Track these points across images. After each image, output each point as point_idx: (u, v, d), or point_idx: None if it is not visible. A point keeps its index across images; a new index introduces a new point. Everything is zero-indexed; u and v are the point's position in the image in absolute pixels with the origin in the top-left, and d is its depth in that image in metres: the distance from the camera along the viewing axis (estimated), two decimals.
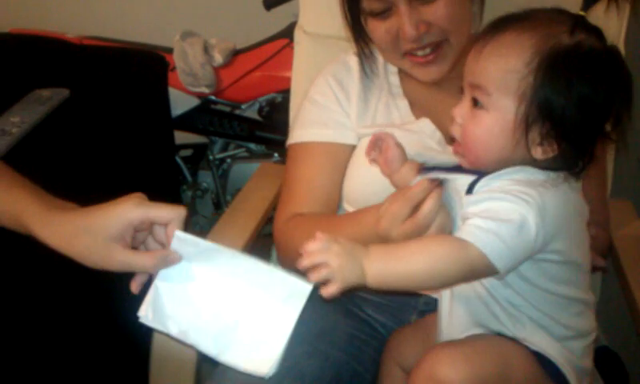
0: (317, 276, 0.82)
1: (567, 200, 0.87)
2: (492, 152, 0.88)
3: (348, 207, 1.24)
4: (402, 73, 1.27)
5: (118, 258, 0.86)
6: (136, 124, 1.80)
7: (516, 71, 0.85)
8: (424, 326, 1.05)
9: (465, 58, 1.18)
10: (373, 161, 1.04)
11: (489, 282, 0.89)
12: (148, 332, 1.12)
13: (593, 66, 0.84)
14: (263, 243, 1.38)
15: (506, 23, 0.89)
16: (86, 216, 0.87)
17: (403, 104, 1.23)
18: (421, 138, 1.18)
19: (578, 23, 0.86)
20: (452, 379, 0.85)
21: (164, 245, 0.92)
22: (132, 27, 2.34)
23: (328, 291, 0.82)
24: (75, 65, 1.79)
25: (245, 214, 1.38)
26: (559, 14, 0.89)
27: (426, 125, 1.19)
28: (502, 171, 0.88)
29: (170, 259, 0.90)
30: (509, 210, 0.83)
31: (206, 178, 2.36)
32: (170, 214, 0.88)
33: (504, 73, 0.86)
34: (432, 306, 1.11)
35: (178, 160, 2.32)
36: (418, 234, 0.90)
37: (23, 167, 1.01)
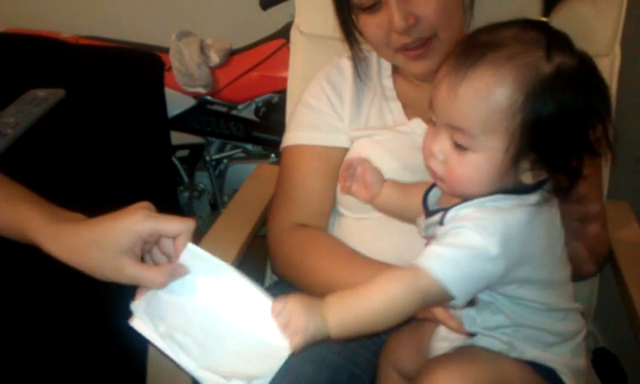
0: (284, 333, 0.83)
1: (538, 223, 0.86)
2: (481, 187, 0.86)
3: (343, 211, 1.24)
4: (396, 75, 1.27)
5: (127, 273, 0.85)
6: (132, 124, 1.80)
7: (500, 112, 0.82)
8: (419, 330, 1.05)
9: None
10: (347, 190, 1.03)
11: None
12: (145, 345, 1.11)
13: (577, 88, 0.82)
14: (260, 244, 1.38)
15: (476, 54, 0.83)
16: (94, 228, 0.86)
17: (396, 106, 1.24)
18: (412, 138, 1.18)
19: (551, 44, 0.83)
20: None
21: (170, 256, 0.91)
22: (128, 27, 2.33)
23: (291, 344, 0.83)
24: (71, 65, 1.79)
25: (242, 215, 1.38)
26: (527, 30, 0.85)
27: (417, 125, 1.19)
28: (472, 201, 0.86)
29: (177, 273, 0.89)
30: (469, 238, 0.82)
31: (202, 179, 2.36)
32: (178, 227, 0.88)
33: (488, 115, 0.82)
34: None
35: (175, 161, 2.32)
36: None
37: (19, 169, 1.01)
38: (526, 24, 0.86)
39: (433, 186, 0.97)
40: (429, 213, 0.95)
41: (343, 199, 1.24)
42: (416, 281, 0.82)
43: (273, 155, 2.25)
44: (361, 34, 1.21)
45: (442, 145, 0.87)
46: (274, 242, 1.25)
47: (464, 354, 0.91)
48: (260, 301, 0.90)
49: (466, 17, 1.18)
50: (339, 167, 1.24)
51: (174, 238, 0.89)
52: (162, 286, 0.89)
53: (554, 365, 0.91)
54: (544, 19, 0.89)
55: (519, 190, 0.86)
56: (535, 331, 0.90)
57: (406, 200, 1.04)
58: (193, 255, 0.90)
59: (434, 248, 0.84)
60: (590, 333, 1.34)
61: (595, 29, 1.35)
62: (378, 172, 1.01)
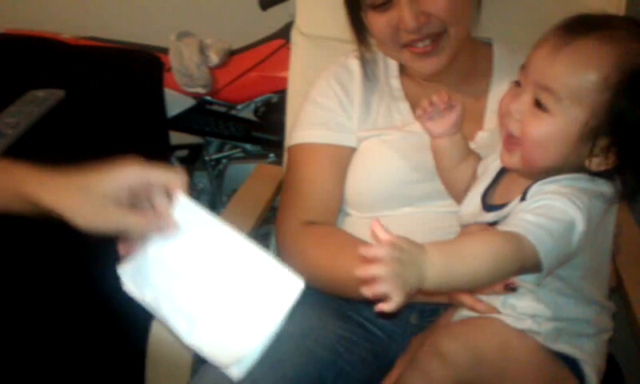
0: (381, 288, 0.73)
1: (608, 216, 0.89)
2: (549, 156, 0.88)
3: (350, 211, 1.24)
4: (403, 75, 1.27)
5: (111, 217, 0.83)
6: (131, 124, 1.80)
7: (593, 83, 0.84)
8: (439, 325, 1.05)
9: (464, 55, 1.19)
10: (423, 115, 1.05)
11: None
12: (144, 332, 1.12)
13: None
14: (259, 244, 1.38)
15: (584, 28, 0.87)
16: (82, 175, 0.85)
17: (404, 106, 1.24)
18: (421, 138, 1.18)
19: None
20: (451, 349, 0.88)
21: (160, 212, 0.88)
22: (127, 27, 2.33)
23: (388, 306, 0.74)
24: (70, 66, 1.79)
25: (241, 215, 1.38)
26: (637, 25, 0.88)
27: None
28: (557, 177, 0.88)
29: (165, 226, 0.86)
30: (560, 210, 0.83)
31: (201, 179, 2.35)
32: (170, 175, 0.86)
33: (580, 83, 0.85)
34: (431, 305, 1.11)
35: (174, 161, 2.31)
36: None
37: None
38: (637, 21, 0.89)
39: (488, 188, 0.98)
40: (494, 207, 0.95)
41: (351, 199, 1.24)
42: (521, 246, 0.81)
43: (272, 155, 2.25)
44: (368, 32, 1.21)
45: (522, 104, 0.89)
46: (286, 239, 1.24)
47: (474, 321, 0.92)
48: (255, 253, 0.86)
49: (473, 15, 1.19)
50: (347, 166, 1.24)
51: (167, 190, 0.86)
52: (146, 231, 0.86)
53: (578, 355, 0.92)
54: None
55: (590, 172, 0.87)
56: (571, 323, 0.91)
57: (461, 161, 1.07)
58: (184, 208, 0.87)
59: (528, 216, 0.84)
60: None
61: None
62: (458, 121, 1.03)
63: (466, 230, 1.00)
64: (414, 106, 1.23)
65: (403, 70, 1.27)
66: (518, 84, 0.91)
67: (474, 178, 1.06)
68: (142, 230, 0.86)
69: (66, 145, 1.56)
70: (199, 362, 1.14)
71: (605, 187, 0.88)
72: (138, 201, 0.87)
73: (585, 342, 0.93)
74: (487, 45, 1.30)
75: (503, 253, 0.81)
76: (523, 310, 0.91)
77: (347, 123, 1.24)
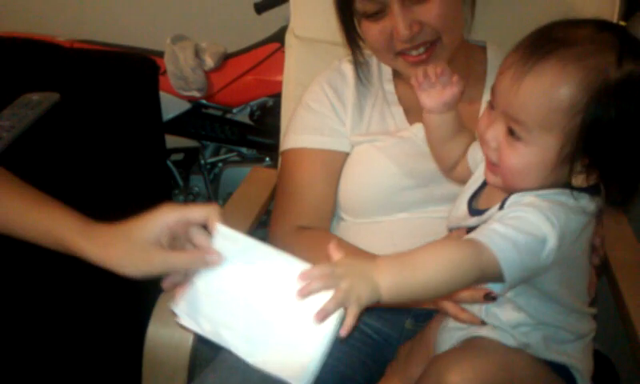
0: (334, 302, 0.76)
1: (587, 230, 0.87)
2: (530, 180, 0.86)
3: (345, 216, 1.25)
4: (397, 79, 1.28)
5: (156, 260, 0.86)
6: (127, 128, 1.80)
7: (561, 110, 0.81)
8: (426, 336, 1.05)
9: (458, 59, 1.20)
10: (418, 87, 1.00)
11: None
12: (141, 335, 1.12)
13: None
14: None
15: (545, 49, 0.82)
16: (123, 225, 0.87)
17: (398, 111, 1.24)
18: (414, 144, 1.18)
19: (624, 50, 0.81)
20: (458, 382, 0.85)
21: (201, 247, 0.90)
22: (123, 31, 2.33)
23: (347, 322, 0.77)
24: (66, 69, 1.79)
25: (236, 219, 1.38)
26: (602, 31, 0.83)
27: (419, 130, 1.19)
28: (537, 192, 0.85)
29: (210, 259, 0.88)
30: (532, 224, 0.81)
31: (197, 183, 2.35)
32: (204, 211, 0.88)
33: (547, 112, 0.81)
34: (425, 310, 1.11)
35: (170, 164, 2.31)
36: None
37: (13, 172, 1.01)
38: (602, 25, 0.85)
39: (476, 192, 0.97)
40: (477, 211, 0.94)
41: (344, 205, 1.24)
42: (478, 255, 0.80)
43: (267, 159, 2.25)
44: (361, 38, 1.21)
45: (497, 132, 0.86)
46: (278, 244, 1.23)
47: (474, 345, 0.91)
48: (296, 267, 0.85)
49: (466, 27, 1.19)
50: (340, 171, 1.24)
51: (204, 224, 0.89)
52: (193, 267, 0.88)
53: (567, 362, 0.92)
54: (622, 23, 0.88)
55: (573, 187, 0.85)
56: (555, 330, 0.90)
57: (453, 138, 1.03)
58: (223, 237, 0.89)
59: (496, 226, 0.82)
60: None
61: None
62: (451, 101, 0.99)
63: (449, 235, 1.00)
64: (407, 110, 1.24)
65: (397, 74, 1.27)
66: (491, 106, 0.89)
67: (463, 156, 1.04)
68: (187, 267, 0.88)
69: (62, 148, 1.56)
70: (195, 366, 1.15)
71: (587, 202, 0.86)
72: (177, 241, 0.90)
73: (570, 348, 0.92)
74: (481, 48, 1.30)
75: (458, 262, 0.80)
76: (507, 322, 0.90)
77: (340, 128, 1.25)
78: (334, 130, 1.24)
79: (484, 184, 0.97)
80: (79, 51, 2.02)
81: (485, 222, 0.88)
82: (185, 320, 0.89)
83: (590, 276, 0.96)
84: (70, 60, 1.86)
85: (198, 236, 0.90)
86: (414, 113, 1.23)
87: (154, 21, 2.45)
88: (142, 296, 1.17)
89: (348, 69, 1.28)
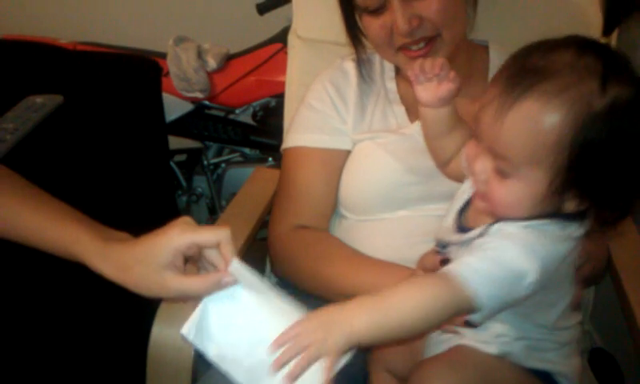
0: (306, 358, 0.77)
1: (572, 255, 0.85)
2: (520, 212, 0.83)
3: (346, 213, 1.25)
4: (399, 78, 1.28)
5: (171, 285, 0.87)
6: (130, 129, 1.80)
7: (548, 146, 0.78)
8: None
9: (460, 57, 1.20)
10: (415, 80, 0.97)
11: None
12: (145, 336, 1.12)
13: (631, 124, 0.78)
14: (258, 248, 1.38)
15: (526, 82, 0.79)
16: (138, 247, 0.88)
17: (400, 110, 1.24)
18: (416, 141, 1.18)
19: (608, 73, 0.78)
20: None
21: (216, 266, 0.92)
22: (126, 32, 2.34)
23: (326, 373, 0.77)
24: (69, 71, 1.79)
25: (240, 219, 1.38)
26: (583, 55, 0.80)
27: (420, 128, 1.20)
28: (520, 222, 0.83)
29: (224, 282, 0.89)
30: (511, 259, 0.80)
31: (200, 183, 2.36)
32: (214, 236, 0.89)
33: (533, 148, 0.79)
34: None
35: (173, 165, 2.32)
36: None
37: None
38: (583, 47, 0.81)
39: (466, 204, 0.96)
40: (463, 229, 0.92)
41: (346, 201, 1.24)
42: (453, 292, 0.79)
43: (270, 159, 2.25)
44: (363, 34, 1.22)
45: (485, 165, 0.84)
46: (275, 244, 1.26)
47: (456, 353, 0.90)
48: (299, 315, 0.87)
49: (469, 17, 1.19)
50: (341, 170, 1.24)
51: (217, 247, 0.90)
52: (206, 294, 0.89)
53: (550, 368, 0.91)
54: (604, 40, 0.85)
55: (563, 215, 0.83)
56: (536, 341, 0.90)
57: (448, 134, 1.00)
58: (237, 271, 0.90)
59: (472, 260, 0.81)
60: (587, 333, 1.35)
61: (590, 24, 1.35)
62: (446, 97, 0.96)
63: (420, 262, 0.99)
64: (409, 108, 1.24)
65: (400, 72, 1.28)
66: (477, 138, 0.86)
67: (458, 153, 1.01)
68: (202, 293, 0.89)
69: (65, 150, 1.57)
70: (200, 367, 1.15)
71: (575, 228, 0.84)
72: (192, 259, 0.91)
73: (552, 355, 0.91)
74: (483, 47, 1.30)
75: (433, 300, 0.80)
76: (488, 331, 0.89)
77: (341, 126, 1.25)
78: (334, 128, 1.25)
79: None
80: (82, 53, 2.02)
81: (466, 243, 0.88)
82: (193, 342, 0.90)
83: (575, 290, 0.93)
84: (72, 62, 1.86)
85: (214, 256, 0.91)
86: (415, 111, 1.22)
87: (156, 22, 2.46)
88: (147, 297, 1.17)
89: (350, 67, 1.28)
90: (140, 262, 0.87)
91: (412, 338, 0.90)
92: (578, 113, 0.77)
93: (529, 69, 0.80)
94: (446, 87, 0.95)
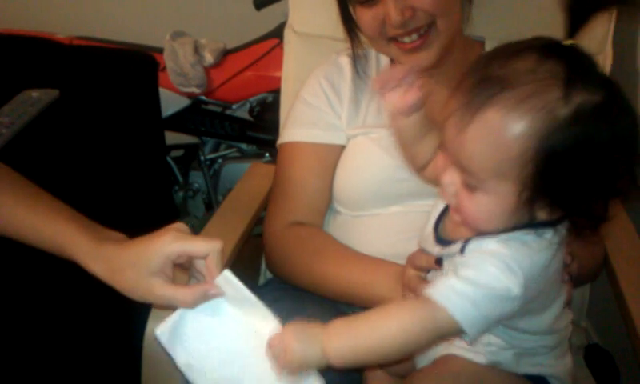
0: (277, 365, 0.81)
1: (556, 261, 0.83)
2: (492, 224, 0.81)
3: (339, 207, 1.25)
4: None
5: (158, 293, 0.88)
6: (126, 125, 1.80)
7: (512, 159, 0.75)
8: None
9: (455, 52, 1.19)
10: (381, 90, 0.93)
11: None
12: (139, 333, 1.12)
13: (597, 131, 0.75)
14: (254, 243, 1.38)
15: (486, 93, 0.76)
16: (130, 250, 0.89)
17: None
18: None
19: (571, 79, 0.75)
20: None
21: (204, 276, 0.93)
22: (122, 27, 2.33)
23: (279, 369, 0.81)
24: (65, 65, 1.79)
25: (236, 214, 1.38)
26: (545, 60, 0.76)
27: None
28: (496, 235, 0.81)
29: (210, 295, 0.91)
30: (493, 276, 0.78)
31: (197, 179, 2.36)
32: (205, 247, 0.89)
33: (497, 161, 0.76)
34: None
35: (169, 160, 2.31)
36: None
37: (13, 169, 1.01)
38: (545, 51, 0.77)
39: (441, 215, 0.95)
40: (443, 241, 0.91)
41: (340, 197, 1.24)
42: (431, 317, 0.78)
43: (267, 154, 2.25)
44: (359, 28, 1.21)
45: (453, 178, 0.82)
46: (269, 240, 1.26)
47: (447, 363, 0.89)
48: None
49: (465, 8, 1.19)
50: (335, 165, 1.24)
51: (204, 258, 0.91)
52: (193, 305, 0.90)
53: (542, 372, 0.90)
54: (568, 42, 0.79)
55: (539, 224, 0.81)
56: (527, 349, 0.89)
57: (420, 140, 0.96)
58: (227, 282, 0.90)
59: (453, 282, 0.79)
60: (583, 329, 1.35)
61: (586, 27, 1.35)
62: (413, 107, 0.92)
63: (410, 260, 0.99)
64: None
65: (393, 59, 1.27)
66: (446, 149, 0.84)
67: (432, 156, 0.98)
68: (188, 303, 0.90)
69: (61, 145, 1.56)
70: None
71: (551, 235, 0.81)
72: (182, 266, 0.93)
73: (543, 359, 0.90)
74: (479, 43, 1.30)
75: (410, 325, 0.79)
76: (478, 341, 0.87)
77: (336, 122, 1.25)
78: (329, 123, 1.25)
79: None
80: (78, 48, 2.02)
81: (448, 256, 0.87)
82: (164, 344, 0.91)
83: (565, 291, 0.92)
84: (69, 57, 1.86)
85: (201, 265, 0.92)
86: None
87: (153, 17, 2.45)
88: None
89: (345, 62, 1.28)
90: (132, 265, 0.88)
91: (395, 360, 0.90)
92: (541, 122, 0.74)
93: (489, 78, 0.77)
94: (413, 95, 0.91)
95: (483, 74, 0.78)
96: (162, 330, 0.92)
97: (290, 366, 0.80)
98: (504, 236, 0.80)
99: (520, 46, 0.79)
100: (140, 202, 1.75)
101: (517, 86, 0.75)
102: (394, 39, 1.15)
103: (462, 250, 0.83)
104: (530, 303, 0.82)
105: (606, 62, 1.36)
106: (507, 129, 0.75)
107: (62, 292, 1.42)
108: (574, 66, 0.76)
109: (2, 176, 0.97)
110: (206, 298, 0.90)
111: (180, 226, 0.91)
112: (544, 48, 0.78)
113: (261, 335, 0.87)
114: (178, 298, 0.89)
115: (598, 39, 1.36)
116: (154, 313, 1.12)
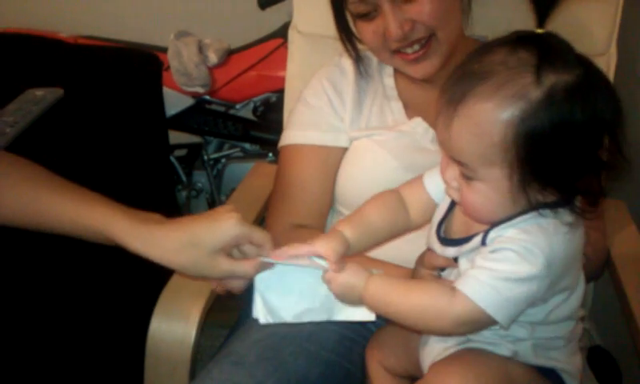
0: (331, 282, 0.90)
1: (575, 238, 0.85)
2: (496, 212, 0.85)
3: (341, 209, 1.25)
4: (397, 74, 1.27)
5: (222, 268, 0.92)
6: (130, 124, 1.80)
7: (495, 145, 0.79)
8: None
9: (458, 54, 1.19)
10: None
11: None
12: (143, 326, 1.12)
13: (572, 107, 0.78)
14: None
15: (464, 87, 0.81)
16: (189, 230, 0.91)
17: (397, 106, 1.24)
18: (413, 138, 1.18)
19: (542, 63, 0.79)
20: None
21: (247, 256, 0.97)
22: (126, 27, 2.33)
23: (333, 288, 0.90)
24: (69, 64, 1.79)
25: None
26: (515, 51, 0.80)
27: (418, 124, 1.19)
28: (514, 221, 0.84)
29: (264, 266, 0.96)
30: (514, 264, 0.81)
31: (200, 178, 2.36)
32: (264, 237, 0.96)
33: (482, 150, 0.80)
34: None
35: (173, 160, 2.32)
36: None
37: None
38: (516, 43, 0.82)
39: (445, 216, 0.96)
40: (448, 241, 0.93)
41: (343, 198, 1.24)
42: (449, 307, 0.82)
43: (270, 154, 2.25)
44: (357, 38, 1.21)
45: (453, 173, 0.86)
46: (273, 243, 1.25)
47: (472, 355, 0.90)
48: None
49: (464, 15, 1.19)
50: (337, 167, 1.24)
51: (259, 245, 0.96)
52: (253, 275, 0.96)
53: (555, 365, 0.91)
54: (538, 31, 0.85)
55: (546, 205, 0.83)
56: (545, 341, 0.90)
57: (391, 233, 1.02)
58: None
59: (476, 273, 0.82)
60: (586, 330, 1.35)
61: (591, 28, 1.35)
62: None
63: (419, 261, 1.01)
64: (407, 105, 1.23)
65: (397, 69, 1.27)
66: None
67: (419, 209, 1.03)
68: (250, 274, 0.95)
69: (65, 144, 1.56)
70: (197, 360, 1.15)
71: (565, 214, 0.84)
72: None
73: (557, 353, 0.91)
74: (482, 42, 1.29)
75: (426, 308, 0.85)
76: (499, 331, 0.89)
77: (338, 124, 1.25)
78: (331, 125, 1.24)
79: (452, 206, 0.95)
80: (83, 47, 2.02)
81: (469, 252, 0.89)
82: (271, 320, 0.97)
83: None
84: (73, 56, 1.86)
85: (248, 249, 0.97)
86: (413, 108, 1.23)
87: (157, 17, 2.45)
88: (145, 291, 1.17)
89: (348, 64, 1.28)
90: (193, 244, 0.90)
91: (408, 328, 0.94)
92: (517, 107, 0.78)
93: (466, 74, 0.82)
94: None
95: (462, 71, 0.83)
96: (262, 317, 0.97)
97: (337, 283, 0.89)
98: (521, 223, 0.83)
99: (495, 42, 0.84)
100: (143, 201, 1.75)
101: (492, 76, 0.80)
102: (397, 51, 1.15)
103: (484, 242, 0.86)
104: (560, 280, 0.84)
105: (610, 62, 1.36)
106: (486, 117, 0.79)
107: (65, 292, 1.43)
108: (545, 51, 0.80)
109: (12, 165, 0.96)
110: (263, 267, 0.96)
111: (233, 207, 0.95)
112: (517, 39, 0.82)
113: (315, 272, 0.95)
114: (242, 270, 0.94)
115: (603, 40, 1.36)
116: (157, 311, 1.13)
